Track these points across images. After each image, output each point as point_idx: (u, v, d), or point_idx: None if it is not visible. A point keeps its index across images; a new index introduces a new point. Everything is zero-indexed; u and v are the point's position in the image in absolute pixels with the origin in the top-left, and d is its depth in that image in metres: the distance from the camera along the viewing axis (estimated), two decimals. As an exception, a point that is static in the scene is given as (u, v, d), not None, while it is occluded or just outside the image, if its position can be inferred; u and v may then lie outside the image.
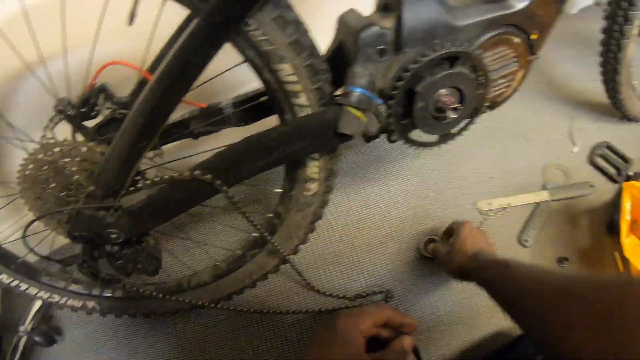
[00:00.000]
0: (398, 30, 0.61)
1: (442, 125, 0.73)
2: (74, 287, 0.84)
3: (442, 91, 0.68)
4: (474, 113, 0.76)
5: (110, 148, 0.56)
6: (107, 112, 0.66)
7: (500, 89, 0.77)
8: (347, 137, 0.63)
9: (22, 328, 0.92)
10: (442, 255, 0.82)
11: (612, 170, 1.08)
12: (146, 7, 0.54)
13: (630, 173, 1.07)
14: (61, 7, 0.59)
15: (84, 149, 0.60)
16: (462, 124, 0.78)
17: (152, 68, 0.67)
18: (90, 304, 0.85)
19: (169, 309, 0.90)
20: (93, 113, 0.65)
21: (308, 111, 0.62)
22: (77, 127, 0.64)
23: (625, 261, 0.94)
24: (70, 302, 0.84)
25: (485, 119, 1.18)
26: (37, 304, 0.95)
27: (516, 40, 0.72)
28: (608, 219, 1.01)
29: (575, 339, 0.43)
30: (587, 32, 1.23)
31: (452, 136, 0.79)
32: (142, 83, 0.66)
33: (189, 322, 0.95)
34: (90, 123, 0.66)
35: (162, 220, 0.65)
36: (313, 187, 0.73)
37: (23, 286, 0.80)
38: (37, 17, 0.62)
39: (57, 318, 0.99)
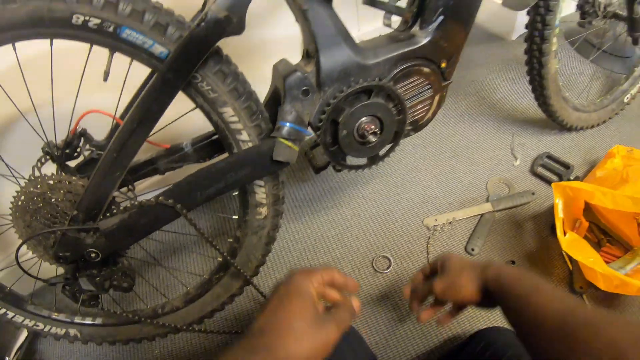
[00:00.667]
0: (317, 73, 0.86)
1: (368, 149, 0.97)
2: (56, 316, 1.04)
3: (363, 119, 0.93)
4: (396, 137, 1.01)
5: (90, 179, 0.78)
6: (87, 153, 0.89)
7: (420, 113, 1.02)
8: (282, 164, 0.86)
9: (7, 359, 1.11)
10: (437, 290, 0.80)
11: (554, 178, 1.31)
12: (118, 66, 0.76)
13: (572, 177, 1.30)
14: (50, 64, 0.82)
15: (68, 182, 0.83)
16: (387, 147, 1.01)
17: (123, 115, 0.91)
18: (72, 331, 1.05)
19: (146, 335, 1.10)
20: (75, 154, 0.88)
21: (250, 145, 0.86)
22: (62, 166, 0.87)
23: (572, 258, 1.14)
24: (53, 330, 1.04)
25: (429, 144, 1.44)
26: (22, 338, 1.15)
27: (426, 70, 0.97)
28: (551, 222, 1.23)
29: None
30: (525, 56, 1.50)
31: (380, 158, 1.03)
32: (115, 128, 0.90)
33: (165, 348, 1.15)
34: (72, 163, 0.89)
35: (133, 240, 0.86)
36: (263, 211, 0.95)
37: (10, 314, 0.99)
38: (29, 71, 0.83)
39: (40, 352, 1.19)
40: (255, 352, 0.51)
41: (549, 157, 1.36)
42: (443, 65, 0.99)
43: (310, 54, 0.88)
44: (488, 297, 0.73)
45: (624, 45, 1.59)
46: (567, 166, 1.33)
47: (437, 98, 1.02)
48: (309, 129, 0.91)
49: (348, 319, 0.60)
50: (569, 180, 1.29)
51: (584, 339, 0.52)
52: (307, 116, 0.88)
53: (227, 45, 0.81)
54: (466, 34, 1.00)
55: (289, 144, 0.85)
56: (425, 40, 0.94)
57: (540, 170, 1.33)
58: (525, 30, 1.25)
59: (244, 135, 0.85)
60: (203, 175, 0.84)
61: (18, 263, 0.83)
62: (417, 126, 1.04)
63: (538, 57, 1.23)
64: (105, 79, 0.77)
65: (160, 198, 0.82)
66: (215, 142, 0.94)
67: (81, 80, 0.83)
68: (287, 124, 0.84)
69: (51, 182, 0.83)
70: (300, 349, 0.52)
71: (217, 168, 0.84)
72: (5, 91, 0.85)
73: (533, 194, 1.27)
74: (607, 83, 1.63)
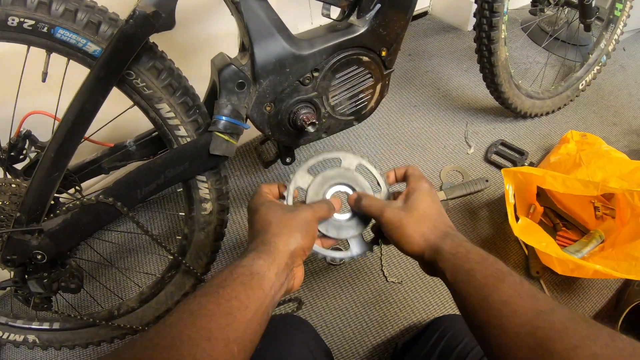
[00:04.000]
0: (252, 65, 0.89)
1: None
2: (14, 322, 1.06)
3: (302, 110, 0.96)
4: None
5: (30, 180, 0.81)
6: (32, 155, 0.92)
7: (362, 102, 1.05)
8: (221, 158, 0.89)
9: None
10: (389, 218, 0.68)
11: (508, 164, 1.35)
12: (59, 66, 0.79)
13: (526, 163, 1.34)
14: None
15: (13, 185, 0.85)
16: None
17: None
18: (31, 337, 1.07)
19: (104, 337, 1.12)
20: (21, 157, 0.90)
21: (188, 140, 0.89)
22: (7, 169, 0.89)
23: (527, 244, 1.18)
24: (12, 337, 1.06)
25: (383, 135, 1.48)
26: (-18, 348, 1.16)
27: (365, 59, 1.00)
28: (506, 208, 1.26)
29: None
30: (477, 45, 1.55)
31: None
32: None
33: (125, 349, 1.17)
34: (19, 166, 0.91)
35: (77, 240, 0.88)
36: (208, 206, 0.98)
37: (-34, 323, 1.02)
38: None
39: (2, 361, 1.21)
40: (254, 248, 0.61)
41: (503, 144, 1.40)
42: (383, 53, 1.02)
43: (245, 47, 0.91)
44: (432, 265, 0.64)
45: (577, 33, 1.64)
46: (521, 153, 1.37)
47: (379, 87, 1.06)
48: (248, 122, 0.94)
49: (324, 207, 0.71)
50: (523, 165, 1.33)
51: (559, 352, 0.44)
52: (243, 109, 0.91)
53: (168, 41, 0.85)
54: (406, 22, 1.02)
55: (226, 137, 0.88)
56: (363, 29, 0.97)
57: (495, 157, 1.37)
58: None
59: (182, 131, 0.88)
60: (142, 172, 0.86)
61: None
62: (360, 116, 1.07)
63: (487, 44, 1.27)
64: (44, 80, 0.80)
65: (100, 196, 0.84)
66: (157, 139, 0.96)
67: (20, 82, 0.85)
68: (223, 118, 0.87)
69: (-4, 184, 0.85)
70: (284, 229, 0.63)
71: (156, 164, 0.87)
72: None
73: (487, 181, 1.31)
74: (562, 70, 1.68)
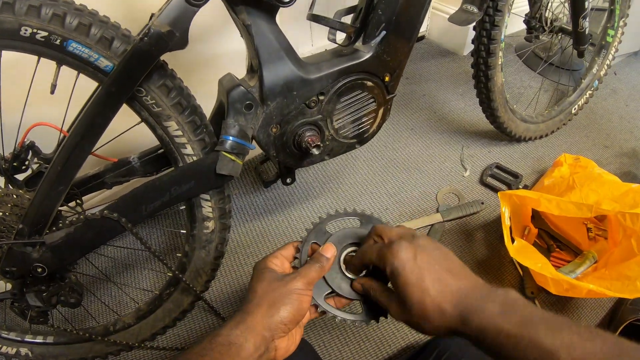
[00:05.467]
0: (260, 87, 0.91)
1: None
2: (7, 334, 1.05)
3: (307, 133, 0.98)
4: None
5: (35, 192, 0.81)
6: (35, 166, 0.91)
7: (365, 125, 1.07)
8: (226, 178, 0.90)
9: (-43, 385, 1.10)
10: (396, 312, 0.61)
11: (503, 187, 1.38)
12: (67, 79, 0.79)
13: (520, 186, 1.37)
14: None
15: (15, 196, 0.85)
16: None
17: (71, 128, 0.94)
18: (24, 350, 1.05)
19: (99, 353, 1.10)
20: (23, 167, 0.89)
21: (194, 159, 0.90)
22: (10, 179, 0.88)
23: (522, 264, 1.20)
24: (4, 349, 1.04)
25: (379, 158, 1.51)
26: (-29, 361, 1.14)
27: (369, 84, 1.02)
28: (501, 231, 1.29)
29: None
30: (473, 70, 1.59)
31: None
32: (63, 141, 0.94)
33: (118, 366, 1.16)
34: (21, 177, 0.90)
35: (79, 255, 0.89)
36: (210, 225, 0.99)
37: (-42, 334, 1.00)
38: None
39: (-9, 375, 1.19)
40: (234, 318, 0.60)
41: (498, 167, 1.43)
42: (386, 79, 1.04)
43: (254, 69, 0.93)
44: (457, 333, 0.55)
45: (570, 59, 1.69)
46: (515, 176, 1.40)
47: (381, 111, 1.08)
48: (253, 143, 0.95)
49: (314, 269, 0.64)
50: (517, 189, 1.36)
51: None
52: (250, 130, 0.93)
53: (176, 59, 0.85)
54: (409, 49, 1.05)
55: (233, 157, 0.89)
56: (368, 55, 0.99)
57: (490, 180, 1.40)
58: None
59: (189, 149, 0.89)
60: (148, 189, 0.87)
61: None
62: (363, 139, 1.09)
63: (484, 70, 1.30)
64: (52, 92, 0.80)
65: (105, 212, 0.85)
66: (161, 156, 0.97)
67: (28, 93, 0.85)
68: (230, 138, 0.89)
69: (-3, 195, 0.85)
70: (264, 300, 0.61)
71: (162, 181, 0.87)
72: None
73: (482, 203, 1.33)
74: (555, 95, 1.73)
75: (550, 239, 1.34)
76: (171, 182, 0.88)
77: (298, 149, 1.00)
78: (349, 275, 0.69)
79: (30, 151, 0.91)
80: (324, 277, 0.67)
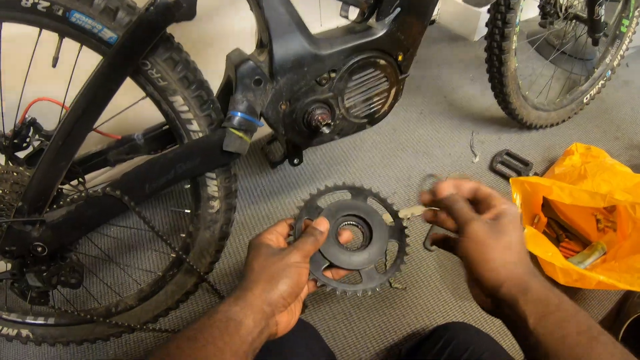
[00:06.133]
0: (270, 62, 0.86)
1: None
2: (7, 316, 1.01)
3: (317, 111, 0.93)
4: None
5: (35, 168, 0.76)
6: (36, 143, 0.87)
7: (376, 105, 1.02)
8: (233, 155, 0.86)
9: (-43, 366, 1.07)
10: (476, 232, 0.56)
11: (513, 174, 1.33)
12: (69, 52, 0.75)
13: (531, 174, 1.32)
14: None
15: (15, 173, 0.80)
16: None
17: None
18: (24, 332, 1.02)
19: (100, 335, 1.07)
20: (24, 144, 0.86)
21: (200, 135, 0.85)
22: (10, 156, 0.84)
23: (531, 253, 1.16)
24: (5, 330, 1.01)
25: (388, 140, 1.45)
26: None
27: (382, 62, 0.97)
28: (511, 219, 1.25)
29: None
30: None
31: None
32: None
33: (119, 348, 1.12)
34: (22, 154, 0.86)
35: (80, 234, 0.84)
36: (216, 204, 0.94)
37: (-42, 315, 0.97)
38: None
39: (-7, 358, 1.15)
40: (233, 294, 0.59)
41: (508, 154, 1.38)
42: (400, 58, 0.99)
43: (263, 43, 0.88)
44: (508, 302, 0.53)
45: (583, 47, 1.63)
46: (526, 163, 1.35)
47: (393, 91, 1.03)
48: (261, 120, 0.90)
49: (309, 242, 0.63)
50: (527, 176, 1.31)
51: None
52: (259, 106, 0.88)
53: (182, 34, 0.81)
54: (424, 28, 1.00)
55: (240, 134, 0.84)
56: (381, 33, 0.94)
57: (500, 167, 1.36)
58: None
59: (195, 125, 0.84)
60: (152, 166, 0.82)
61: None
62: (374, 119, 1.05)
63: (498, 54, 1.25)
64: (54, 65, 0.76)
65: (107, 189, 0.80)
66: (166, 133, 0.93)
67: (29, 67, 0.81)
68: (238, 114, 0.84)
69: (-3, 172, 0.80)
70: (262, 275, 0.59)
71: (166, 158, 0.83)
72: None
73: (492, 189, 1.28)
74: (567, 83, 1.67)
75: (560, 229, 1.30)
76: (176, 159, 0.83)
77: (308, 127, 0.95)
78: (346, 248, 0.69)
79: (31, 128, 0.86)
80: (319, 251, 0.67)
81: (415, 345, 0.97)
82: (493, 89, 1.32)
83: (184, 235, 1.01)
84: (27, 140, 0.86)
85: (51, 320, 1.04)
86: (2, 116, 0.84)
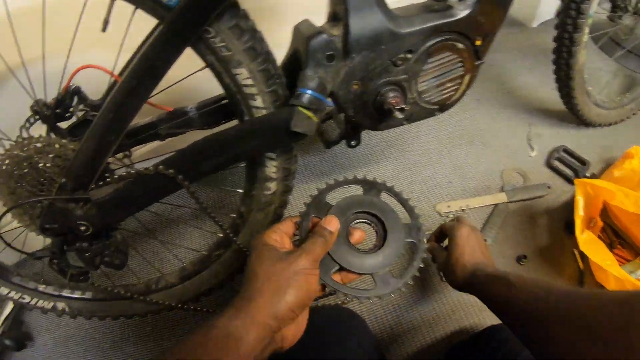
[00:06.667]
0: (345, 37, 0.72)
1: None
2: (44, 288, 0.91)
3: (391, 94, 0.79)
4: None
5: (81, 143, 0.64)
6: (80, 113, 0.75)
7: (449, 92, 0.87)
8: (299, 136, 0.72)
9: (-8, 331, 0.98)
10: (440, 264, 0.82)
11: (569, 172, 1.18)
12: (120, 16, 0.63)
13: (587, 174, 1.17)
14: (42, 14, 0.68)
15: (57, 146, 0.68)
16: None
17: (123, 73, 0.76)
18: (60, 305, 0.92)
19: (138, 311, 0.96)
20: (67, 114, 0.74)
21: (264, 112, 0.71)
22: (52, 127, 0.72)
23: (584, 257, 1.04)
24: (40, 303, 0.91)
25: (444, 127, 1.30)
26: (8, 308, 1.01)
27: (460, 46, 0.82)
28: (566, 218, 1.11)
29: None
30: (546, 44, 1.33)
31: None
32: (113, 87, 0.76)
33: (157, 325, 1.02)
34: (65, 124, 0.74)
35: (127, 214, 0.72)
36: (272, 186, 0.81)
37: (-6, 287, 0.86)
38: (18, 23, 0.70)
39: (27, 323, 1.05)
40: (234, 305, 0.50)
41: (566, 150, 1.23)
42: (478, 42, 0.85)
43: (337, 16, 0.73)
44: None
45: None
46: (583, 162, 1.20)
47: (467, 77, 0.88)
48: (329, 99, 0.76)
49: (319, 244, 0.54)
50: (585, 176, 1.17)
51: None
52: (329, 84, 0.74)
53: (243, 1, 0.67)
54: (505, 12, 0.86)
55: (309, 113, 0.70)
56: (463, 14, 0.79)
57: (556, 163, 1.21)
58: (547, 18, 1.11)
59: (258, 101, 0.71)
60: (210, 144, 0.70)
61: (1, 238, 0.69)
62: (444, 106, 0.90)
63: (568, 46, 1.09)
64: (104, 29, 0.64)
65: (160, 167, 0.67)
66: (224, 108, 0.80)
67: (76, 31, 0.68)
68: (308, 91, 0.70)
69: (38, 144, 0.68)
70: (267, 284, 0.50)
71: (227, 136, 0.70)
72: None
73: (549, 187, 1.14)
74: (627, 81, 1.48)
75: (614, 235, 1.15)
76: (237, 137, 0.70)
77: (379, 110, 0.81)
78: (357, 249, 0.60)
79: (75, 97, 0.74)
80: (328, 253, 0.57)
81: (465, 343, 0.89)
82: (558, 81, 1.16)
83: (234, 215, 0.89)
84: (71, 110, 0.74)
85: (88, 295, 0.93)
86: (45, 83, 0.71)
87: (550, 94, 1.28)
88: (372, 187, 0.65)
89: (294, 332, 0.54)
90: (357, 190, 0.65)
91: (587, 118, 1.24)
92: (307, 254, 0.52)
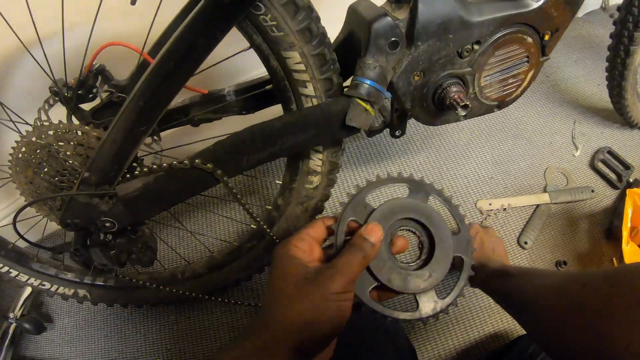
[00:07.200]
0: (412, 22, 0.58)
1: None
2: (65, 275, 0.81)
3: (454, 88, 0.66)
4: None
5: (107, 133, 0.52)
6: (104, 95, 0.63)
7: (511, 88, 0.74)
8: (353, 130, 0.60)
9: (11, 315, 0.88)
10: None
11: (612, 176, 1.06)
12: None
13: (631, 180, 1.05)
14: None
15: (79, 132, 0.56)
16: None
17: (154, 51, 0.64)
18: (82, 292, 0.82)
19: (162, 300, 0.87)
20: (90, 96, 0.62)
21: (314, 102, 0.59)
22: (73, 110, 0.61)
23: (622, 267, 0.93)
24: (61, 289, 0.81)
25: (487, 119, 1.16)
26: (27, 291, 0.91)
27: (529, 39, 0.69)
28: (608, 225, 0.99)
29: (568, 341, 0.43)
30: (592, 36, 1.20)
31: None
32: (142, 66, 0.63)
33: (182, 314, 0.92)
34: (87, 106, 0.63)
35: (158, 210, 0.61)
36: (315, 180, 0.70)
37: (13, 272, 0.76)
38: None
39: (47, 305, 0.96)
40: (253, 331, 0.40)
41: (610, 152, 1.09)
42: (546, 37, 0.71)
43: (402, -2, 0.59)
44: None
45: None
46: (627, 166, 1.07)
47: (531, 74, 0.75)
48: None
49: (356, 262, 0.42)
50: (628, 181, 1.04)
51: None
52: (390, 74, 0.61)
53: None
54: (577, 7, 0.72)
55: (367, 106, 0.58)
56: (535, 5, 0.66)
57: (600, 165, 1.07)
58: (594, 8, 0.95)
59: (309, 89, 0.58)
60: (254, 136, 0.57)
61: (16, 230, 0.59)
62: (504, 102, 0.77)
63: (627, 44, 0.94)
64: (133, 3, 0.53)
65: (197, 161, 0.56)
66: (266, 93, 0.67)
67: (100, 3, 0.55)
68: (368, 82, 0.57)
69: (58, 131, 0.56)
70: (291, 311, 0.39)
71: (273, 128, 0.58)
72: (5, 19, 0.58)
73: (593, 191, 1.02)
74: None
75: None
76: (285, 129, 0.58)
77: (439, 104, 0.68)
78: (400, 262, 0.48)
79: (99, 77, 0.62)
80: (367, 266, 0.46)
81: (498, 351, 0.82)
82: (610, 79, 1.02)
83: (269, 207, 0.78)
84: (94, 91, 0.62)
85: (111, 282, 0.83)
86: (65, 62, 0.58)
87: (596, 90, 1.14)
88: (419, 188, 0.53)
89: (324, 357, 0.44)
90: (400, 189, 0.52)
91: (634, 119, 1.10)
92: (340, 274, 0.41)
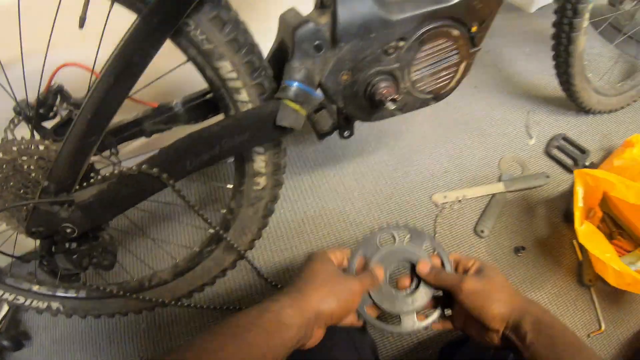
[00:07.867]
0: (333, 26, 0.67)
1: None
2: (38, 289, 0.88)
3: (382, 84, 0.74)
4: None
5: (62, 144, 0.61)
6: (64, 113, 0.71)
7: (444, 81, 0.83)
8: (287, 130, 0.68)
9: (-11, 332, 0.95)
10: (470, 287, 0.61)
11: (568, 161, 1.14)
12: (97, 11, 0.59)
13: (587, 163, 1.13)
14: (17, 13, 0.64)
15: (41, 147, 0.64)
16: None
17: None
18: (55, 305, 0.89)
19: (132, 309, 0.94)
20: (51, 114, 0.70)
21: (250, 106, 0.68)
22: (36, 127, 0.69)
23: (583, 248, 1.00)
24: (35, 303, 0.88)
25: (440, 115, 1.26)
26: (4, 309, 0.98)
27: (455, 32, 0.77)
28: (565, 208, 1.07)
29: None
30: (544, 30, 1.27)
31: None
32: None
33: (153, 322, 0.99)
34: (49, 124, 0.71)
35: (113, 214, 0.69)
36: (262, 181, 0.78)
37: (-12, 288, 0.83)
38: None
39: (25, 322, 1.03)
40: (288, 294, 0.57)
41: (565, 139, 1.18)
42: (474, 29, 0.80)
43: (325, 4, 0.69)
44: (507, 340, 0.59)
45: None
46: (583, 150, 1.15)
47: (463, 65, 0.84)
48: (318, 91, 0.72)
49: (369, 282, 0.65)
50: (584, 165, 1.13)
51: None
52: (317, 76, 0.70)
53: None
54: None
55: (296, 107, 0.67)
56: (458, -1, 0.74)
57: (555, 152, 1.16)
58: (546, 3, 1.05)
59: (243, 95, 0.67)
60: (194, 141, 0.66)
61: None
62: (439, 95, 0.86)
63: (568, 32, 1.04)
64: (82, 26, 0.59)
65: (143, 166, 0.64)
66: (209, 102, 0.76)
67: (53, 28, 0.64)
68: (295, 84, 0.66)
69: (21, 146, 0.64)
70: (322, 289, 0.58)
71: (211, 132, 0.66)
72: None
73: (547, 177, 1.10)
74: (627, 68, 1.42)
75: (614, 225, 1.11)
76: (222, 133, 0.67)
77: (370, 101, 0.77)
78: (394, 292, 0.69)
79: (58, 96, 0.71)
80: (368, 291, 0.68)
81: (457, 341, 0.86)
82: (557, 67, 1.11)
83: (224, 211, 0.86)
84: (54, 109, 0.70)
85: (82, 294, 0.90)
86: (25, 83, 0.67)
87: (549, 81, 1.23)
88: (418, 236, 0.72)
89: (317, 336, 0.59)
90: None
91: (586, 105, 1.19)
92: (359, 281, 0.63)
